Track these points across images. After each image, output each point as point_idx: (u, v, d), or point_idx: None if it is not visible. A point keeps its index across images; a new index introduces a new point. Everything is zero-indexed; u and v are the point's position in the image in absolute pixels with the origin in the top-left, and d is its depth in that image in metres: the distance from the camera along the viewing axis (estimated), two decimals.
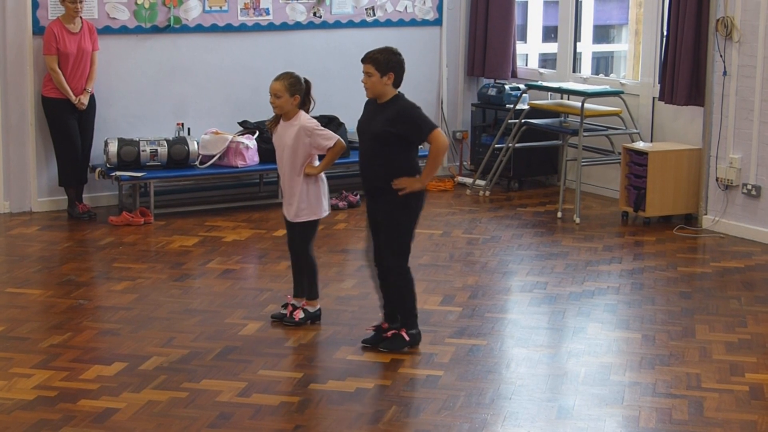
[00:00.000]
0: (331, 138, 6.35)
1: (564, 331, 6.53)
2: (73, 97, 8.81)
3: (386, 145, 5.90)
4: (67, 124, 8.88)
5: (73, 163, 8.98)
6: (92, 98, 9.03)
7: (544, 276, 7.58)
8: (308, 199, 6.39)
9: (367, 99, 6.08)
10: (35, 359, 5.87)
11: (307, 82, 6.41)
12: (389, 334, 6.08)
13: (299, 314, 6.48)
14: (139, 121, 9.47)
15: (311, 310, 6.52)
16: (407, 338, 6.04)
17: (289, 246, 6.59)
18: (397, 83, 5.95)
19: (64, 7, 8.78)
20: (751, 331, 6.50)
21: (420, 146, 6.14)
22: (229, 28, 9.81)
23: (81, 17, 8.86)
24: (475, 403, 5.38)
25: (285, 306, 6.59)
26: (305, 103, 6.42)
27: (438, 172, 6.02)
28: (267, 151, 8.94)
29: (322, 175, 6.47)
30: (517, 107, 10.09)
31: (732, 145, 8.68)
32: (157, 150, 9.17)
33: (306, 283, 6.53)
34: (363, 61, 5.93)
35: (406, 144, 5.92)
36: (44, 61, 8.83)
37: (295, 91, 6.32)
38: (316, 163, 6.45)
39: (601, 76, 11.33)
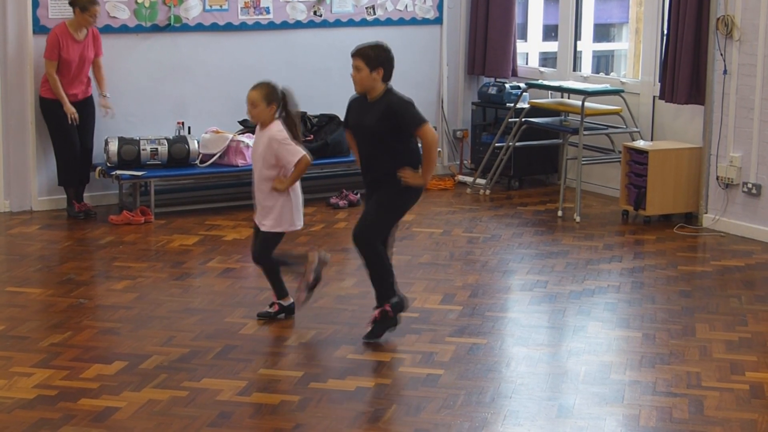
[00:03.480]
0: (296, 154, 6.26)
1: (564, 329, 6.53)
2: (67, 104, 8.77)
3: (384, 139, 5.94)
4: (65, 124, 8.86)
5: (72, 162, 8.97)
6: (91, 99, 9.02)
7: (544, 275, 7.58)
8: (275, 209, 6.36)
9: (352, 97, 6.09)
10: (35, 358, 5.87)
11: (284, 92, 6.31)
12: (376, 314, 6.10)
13: (275, 307, 6.55)
14: (140, 120, 9.47)
15: (284, 304, 6.56)
16: (391, 312, 6.08)
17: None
18: (386, 78, 5.98)
19: (77, 16, 8.69)
20: (752, 329, 6.50)
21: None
22: (229, 27, 9.81)
23: None
24: (476, 401, 5.37)
25: (272, 305, 6.60)
26: (287, 117, 6.30)
27: (436, 167, 6.03)
28: None
29: (297, 188, 6.42)
30: (518, 106, 10.09)
31: (732, 144, 8.68)
32: (157, 149, 9.17)
33: (272, 283, 6.53)
34: (353, 55, 5.98)
35: (402, 136, 5.94)
36: (44, 64, 8.80)
37: (271, 100, 6.26)
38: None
39: (602, 74, 11.32)
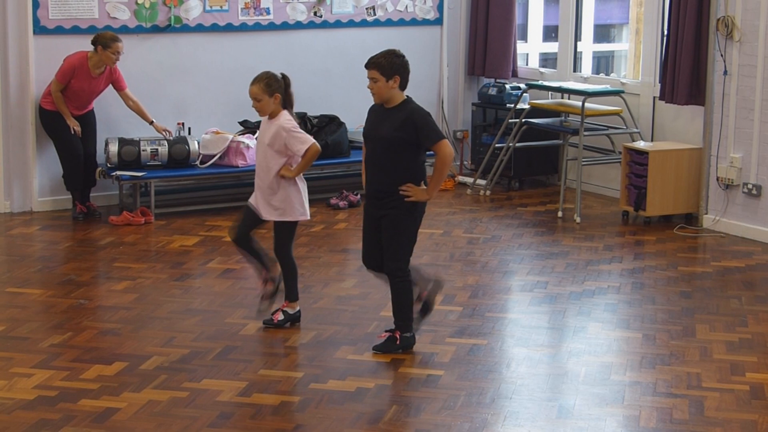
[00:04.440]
0: (305, 141, 6.24)
1: (564, 330, 6.53)
2: (70, 118, 8.80)
3: (396, 150, 5.84)
4: (67, 134, 8.86)
5: (77, 169, 8.98)
6: (91, 110, 9.03)
7: (544, 275, 7.58)
8: (281, 199, 6.30)
9: (372, 104, 6.02)
10: (35, 359, 5.87)
11: (285, 77, 6.32)
12: (383, 335, 6.08)
13: (278, 316, 6.45)
14: (140, 121, 9.44)
15: (291, 312, 6.47)
16: (399, 342, 6.02)
17: (238, 235, 6.45)
18: (403, 85, 5.87)
19: (99, 53, 8.67)
20: (752, 330, 6.50)
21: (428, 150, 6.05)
22: (229, 28, 9.81)
23: None
24: (476, 402, 5.38)
25: (275, 312, 6.52)
26: (287, 100, 6.33)
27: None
28: None
29: (301, 178, 6.38)
30: (518, 107, 10.09)
31: (732, 145, 8.68)
32: (157, 150, 9.18)
33: (285, 285, 6.46)
34: (367, 66, 5.85)
35: (415, 149, 5.86)
36: (52, 81, 8.79)
37: (273, 90, 6.24)
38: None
39: (602, 75, 11.32)
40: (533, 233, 8.80)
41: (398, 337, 6.02)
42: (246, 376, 5.67)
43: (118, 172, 9.01)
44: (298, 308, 6.51)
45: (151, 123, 9.12)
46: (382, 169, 5.92)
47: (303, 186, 6.41)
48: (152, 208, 9.09)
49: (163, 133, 9.16)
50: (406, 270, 6.01)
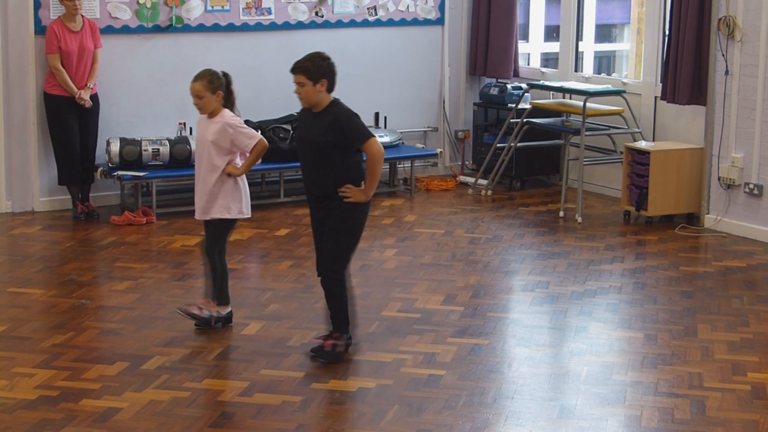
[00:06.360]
0: (253, 137, 6.26)
1: (566, 330, 6.53)
2: (75, 90, 8.79)
3: (327, 155, 5.80)
4: (67, 122, 8.88)
5: (70, 161, 8.97)
6: (96, 98, 9.03)
7: (546, 275, 7.58)
8: (222, 197, 6.27)
9: (301, 108, 5.98)
10: (37, 359, 5.87)
11: (226, 75, 6.31)
12: (318, 339, 6.03)
13: (193, 309, 6.38)
14: (141, 121, 9.47)
15: (223, 313, 6.42)
16: (328, 348, 5.91)
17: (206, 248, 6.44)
18: (330, 88, 5.84)
19: (63, 6, 8.80)
20: (753, 330, 6.50)
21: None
22: (231, 28, 9.82)
23: (82, 15, 8.88)
24: (477, 402, 5.38)
25: (201, 309, 6.44)
26: (229, 98, 6.32)
27: (378, 182, 5.86)
28: (268, 151, 8.91)
29: (243, 177, 6.36)
30: (519, 106, 10.09)
31: (734, 145, 8.68)
32: (159, 149, 9.18)
33: (215, 287, 6.38)
34: (293, 71, 5.81)
35: (346, 151, 5.81)
36: (47, 60, 8.83)
37: (215, 87, 6.22)
38: (239, 163, 6.34)
39: (603, 75, 11.32)
40: (535, 233, 8.80)
41: (337, 340, 5.95)
42: (247, 376, 5.68)
43: (120, 172, 9.01)
44: (229, 309, 6.43)
45: (85, 86, 8.87)
46: (317, 174, 5.88)
47: (244, 185, 6.39)
48: (154, 207, 9.10)
49: (79, 99, 8.85)
50: (342, 273, 5.93)
